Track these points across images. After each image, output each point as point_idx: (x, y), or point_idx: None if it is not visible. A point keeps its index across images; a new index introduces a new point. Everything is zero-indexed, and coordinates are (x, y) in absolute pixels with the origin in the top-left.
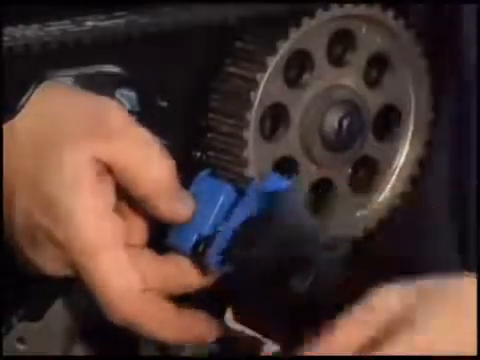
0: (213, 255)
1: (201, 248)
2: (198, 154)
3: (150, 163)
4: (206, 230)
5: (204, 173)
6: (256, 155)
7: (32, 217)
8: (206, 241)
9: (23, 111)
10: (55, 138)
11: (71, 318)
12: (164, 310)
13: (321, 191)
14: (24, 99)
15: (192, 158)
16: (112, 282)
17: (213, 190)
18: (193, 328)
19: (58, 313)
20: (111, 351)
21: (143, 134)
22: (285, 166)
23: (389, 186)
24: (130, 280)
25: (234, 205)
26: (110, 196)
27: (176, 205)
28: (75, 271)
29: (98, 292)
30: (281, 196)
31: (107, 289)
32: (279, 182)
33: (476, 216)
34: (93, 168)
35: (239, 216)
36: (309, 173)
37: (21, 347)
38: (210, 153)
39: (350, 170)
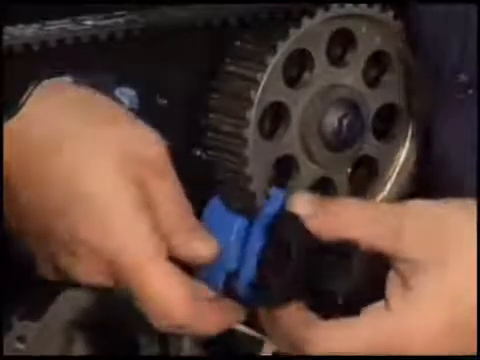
0: (242, 288)
1: (232, 284)
2: (198, 153)
3: (168, 202)
4: (232, 266)
5: (212, 205)
6: (256, 154)
7: (77, 233)
8: (234, 277)
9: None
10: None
11: (70, 317)
12: (215, 308)
13: (321, 190)
14: (24, 98)
15: (192, 157)
16: (164, 292)
17: (224, 223)
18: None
19: (58, 312)
20: (110, 350)
21: (173, 174)
22: (285, 165)
23: (389, 185)
24: (181, 288)
25: (248, 234)
26: (151, 215)
27: (194, 246)
28: (116, 283)
29: (150, 302)
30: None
31: (160, 298)
32: (280, 196)
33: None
34: (139, 192)
35: (256, 244)
36: (309, 172)
37: (21, 346)
38: (210, 152)
39: (350, 169)
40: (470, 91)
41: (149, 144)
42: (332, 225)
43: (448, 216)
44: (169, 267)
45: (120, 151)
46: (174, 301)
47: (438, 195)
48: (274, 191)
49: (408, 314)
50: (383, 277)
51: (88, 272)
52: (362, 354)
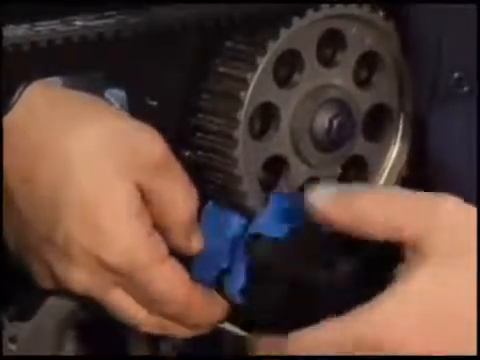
0: (232, 287)
1: (222, 281)
2: (188, 153)
3: (182, 199)
4: (225, 264)
5: (211, 204)
6: (246, 155)
7: (73, 237)
8: (226, 274)
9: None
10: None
11: (61, 317)
12: (211, 297)
13: None
14: (15, 98)
15: (182, 157)
16: (164, 285)
17: (222, 222)
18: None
19: (49, 312)
20: (101, 350)
21: (179, 169)
22: (275, 165)
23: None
24: (181, 280)
25: (244, 233)
26: (150, 217)
27: (192, 239)
28: (110, 290)
29: (152, 298)
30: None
31: (161, 294)
32: (282, 202)
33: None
34: (138, 194)
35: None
36: (299, 172)
37: (13, 347)
38: (200, 152)
39: (340, 170)
40: (465, 88)
41: (147, 144)
42: (349, 212)
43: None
44: (168, 266)
45: (118, 153)
46: (174, 292)
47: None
48: (273, 195)
49: (387, 302)
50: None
51: (85, 279)
52: (343, 341)
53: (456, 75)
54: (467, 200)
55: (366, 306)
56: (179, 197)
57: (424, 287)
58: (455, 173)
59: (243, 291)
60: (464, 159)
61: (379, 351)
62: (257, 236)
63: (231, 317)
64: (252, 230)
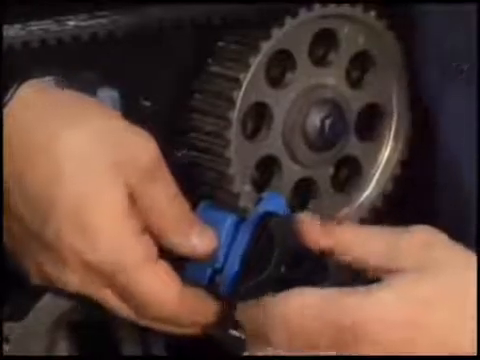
0: (226, 285)
1: (216, 280)
2: (180, 154)
3: (162, 204)
4: (218, 263)
5: (203, 205)
6: (239, 154)
7: (63, 237)
8: (219, 273)
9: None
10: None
11: (54, 318)
12: (204, 300)
13: (303, 190)
14: (7, 98)
15: (175, 157)
16: (156, 288)
17: (215, 221)
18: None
19: (41, 313)
20: (93, 350)
21: (167, 175)
22: (268, 165)
23: (371, 185)
24: (172, 284)
25: (237, 232)
26: (140, 218)
27: (192, 242)
28: (103, 291)
29: (141, 297)
30: (277, 219)
31: (151, 294)
32: (277, 202)
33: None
34: (127, 196)
35: (242, 242)
36: (292, 172)
37: (6, 347)
38: (193, 153)
39: (332, 169)
40: (462, 76)
41: (141, 147)
42: (327, 231)
43: (444, 240)
44: (159, 267)
45: (111, 154)
46: (165, 294)
47: (433, 192)
48: (267, 193)
49: (369, 297)
50: None
51: (74, 278)
52: (316, 328)
53: (454, 65)
54: (467, 195)
55: (337, 290)
56: (170, 199)
57: (387, 288)
58: (455, 170)
59: (235, 284)
60: (464, 155)
61: (346, 338)
62: (270, 214)
63: (226, 317)
64: (261, 210)
